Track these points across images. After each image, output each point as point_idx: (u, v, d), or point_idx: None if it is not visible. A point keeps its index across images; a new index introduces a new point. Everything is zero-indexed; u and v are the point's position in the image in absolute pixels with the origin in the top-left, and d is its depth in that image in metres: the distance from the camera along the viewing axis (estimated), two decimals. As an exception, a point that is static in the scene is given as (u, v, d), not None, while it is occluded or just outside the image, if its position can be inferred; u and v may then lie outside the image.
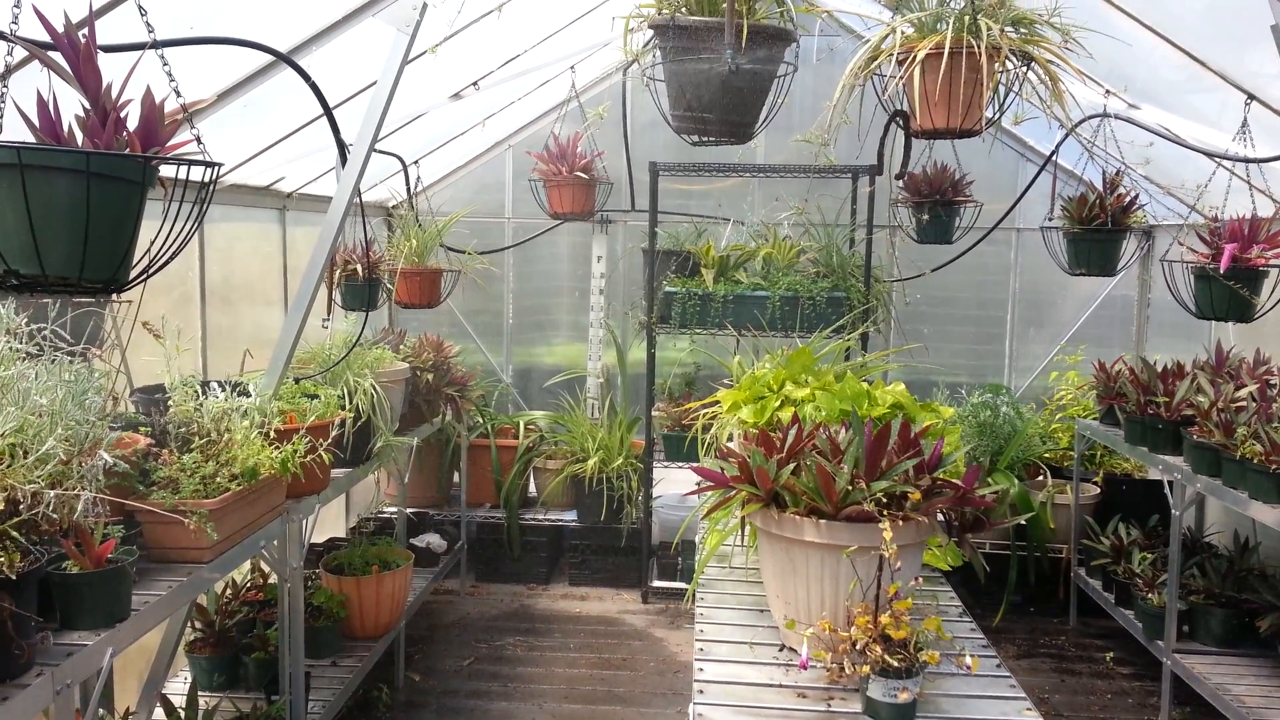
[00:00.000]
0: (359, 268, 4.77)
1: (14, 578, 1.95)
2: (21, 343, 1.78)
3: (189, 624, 3.81)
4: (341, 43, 3.45)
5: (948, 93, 2.94)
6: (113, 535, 2.40)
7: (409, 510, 5.63)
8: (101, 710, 3.08)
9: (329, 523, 5.78)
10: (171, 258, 1.81)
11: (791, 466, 2.39)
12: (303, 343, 3.85)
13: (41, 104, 1.65)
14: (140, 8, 1.79)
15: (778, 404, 2.97)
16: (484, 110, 5.86)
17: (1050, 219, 5.06)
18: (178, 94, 1.82)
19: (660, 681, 4.86)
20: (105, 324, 2.98)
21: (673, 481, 5.85)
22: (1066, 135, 4.73)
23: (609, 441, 6.07)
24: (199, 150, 1.83)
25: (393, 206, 6.55)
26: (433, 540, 5.56)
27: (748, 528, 2.55)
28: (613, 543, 6.07)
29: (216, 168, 1.78)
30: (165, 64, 1.85)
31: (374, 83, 3.14)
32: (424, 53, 3.70)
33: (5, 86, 1.69)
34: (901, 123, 3.57)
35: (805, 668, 2.32)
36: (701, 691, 2.31)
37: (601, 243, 6.71)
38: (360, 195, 3.26)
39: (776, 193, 6.32)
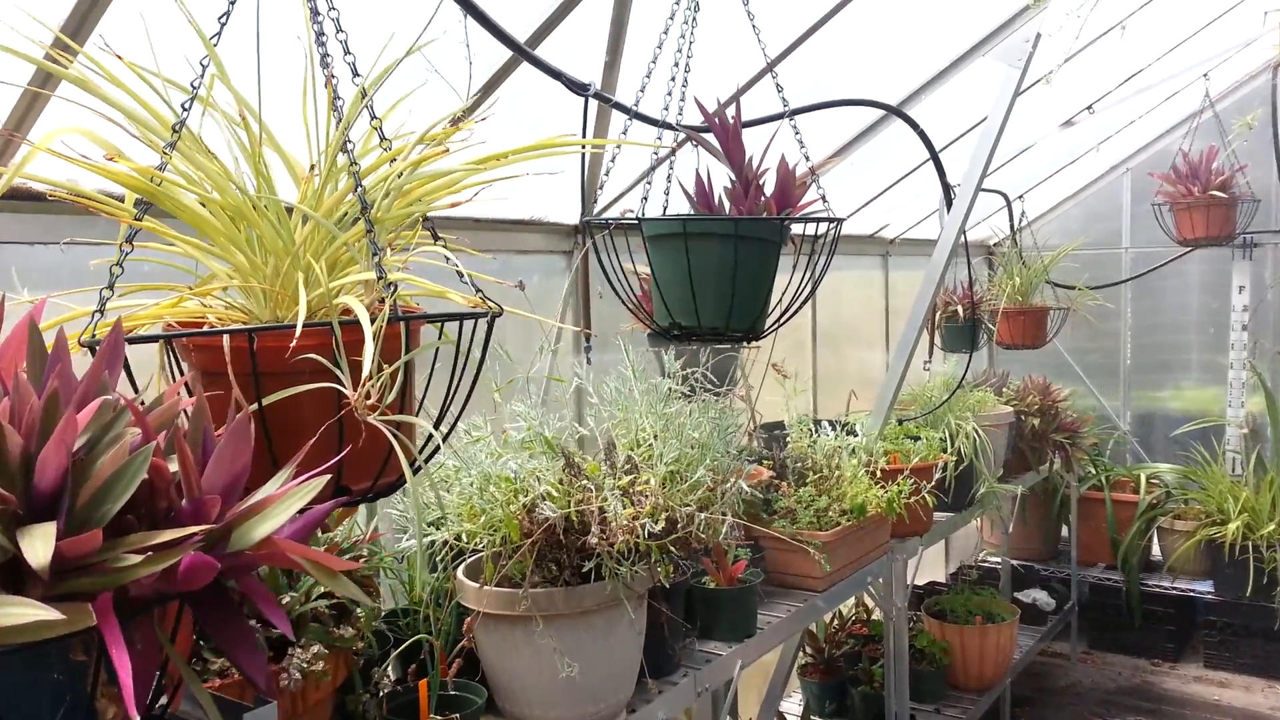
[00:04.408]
0: (959, 309, 4.73)
1: (667, 586, 2.26)
2: (678, 384, 2.09)
3: (801, 649, 4.06)
4: (947, 87, 3.48)
5: None
6: (742, 557, 2.67)
7: (1013, 561, 5.37)
8: (729, 718, 3.42)
9: (929, 566, 5.77)
10: (800, 307, 1.96)
11: None
12: (904, 384, 3.91)
13: (699, 180, 1.91)
14: (777, 85, 1.99)
15: None
16: (1098, 135, 5.44)
17: None
18: (806, 159, 1.98)
19: (1335, 805, 3.96)
20: (736, 368, 3.34)
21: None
22: None
23: (1255, 503, 5.15)
24: (824, 208, 1.97)
25: (994, 244, 6.38)
26: (1039, 597, 5.23)
27: None
28: (1262, 624, 5.11)
29: (839, 223, 1.90)
30: (796, 132, 2.03)
31: (981, 121, 3.10)
32: (1036, 83, 3.56)
33: (671, 168, 1.99)
34: None
35: None
36: None
37: (1244, 270, 5.77)
38: (965, 235, 3.23)
39: None
